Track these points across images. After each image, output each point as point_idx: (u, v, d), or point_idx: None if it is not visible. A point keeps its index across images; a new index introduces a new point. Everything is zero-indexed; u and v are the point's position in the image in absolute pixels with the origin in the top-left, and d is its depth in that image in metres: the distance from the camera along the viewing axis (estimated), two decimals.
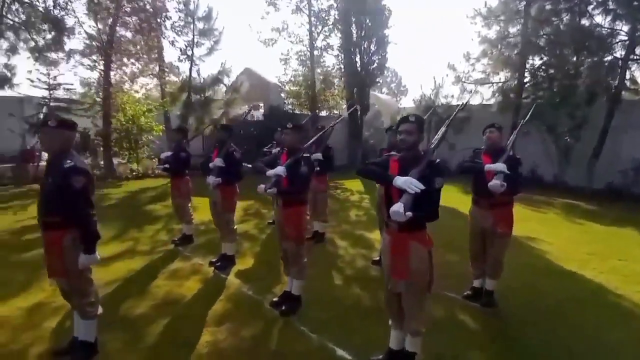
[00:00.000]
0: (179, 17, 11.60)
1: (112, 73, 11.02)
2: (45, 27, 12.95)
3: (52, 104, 10.67)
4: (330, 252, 4.90)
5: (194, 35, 11.65)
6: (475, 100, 12.13)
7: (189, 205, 4.99)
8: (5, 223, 5.75)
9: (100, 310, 2.53)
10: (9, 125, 10.41)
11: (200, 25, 11.66)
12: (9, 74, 13.20)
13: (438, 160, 2.18)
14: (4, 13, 12.46)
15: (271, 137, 6.52)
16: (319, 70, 14.91)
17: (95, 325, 2.53)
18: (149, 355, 2.61)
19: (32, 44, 13.52)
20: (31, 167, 10.11)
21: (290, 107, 15.14)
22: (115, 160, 11.35)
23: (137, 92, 11.98)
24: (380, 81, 39.98)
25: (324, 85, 15.01)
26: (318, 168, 4.22)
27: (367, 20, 13.91)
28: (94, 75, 11.31)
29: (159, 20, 11.44)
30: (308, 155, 3.08)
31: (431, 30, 63.17)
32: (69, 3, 12.26)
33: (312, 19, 13.92)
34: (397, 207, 1.93)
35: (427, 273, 2.18)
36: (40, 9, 12.74)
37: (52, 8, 12.76)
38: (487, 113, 10.58)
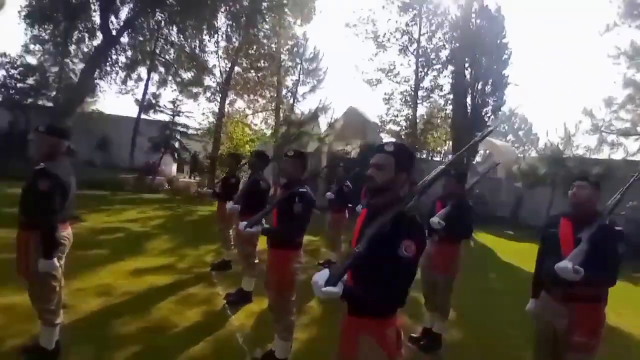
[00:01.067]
0: (288, 57, 12.53)
1: (227, 105, 12.42)
2: (191, 65, 15.53)
3: (173, 127, 12.42)
4: None
5: (299, 75, 12.39)
6: (617, 155, 9.76)
7: (230, 231, 4.89)
8: (93, 222, 6.55)
9: (60, 319, 2.44)
10: (140, 143, 12.53)
11: (306, 65, 12.37)
12: (153, 101, 16.06)
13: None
14: (157, 52, 15.40)
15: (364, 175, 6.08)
16: (422, 112, 14.21)
17: (55, 334, 2.43)
18: None
19: (179, 79, 16.39)
20: (149, 178, 11.80)
21: None
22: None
23: (245, 124, 13.15)
24: (506, 127, 36.43)
25: (427, 127, 14.15)
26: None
27: (483, 60, 12.78)
28: (211, 105, 12.90)
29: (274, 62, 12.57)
30: (305, 189, 2.56)
31: (566, 71, 55.55)
32: (207, 46, 14.50)
33: (420, 59, 13.46)
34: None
35: None
36: (187, 50, 15.36)
37: (197, 50, 15.27)
38: (631, 170, 8.28)
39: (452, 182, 3.28)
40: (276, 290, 2.58)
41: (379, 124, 14.63)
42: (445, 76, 13.71)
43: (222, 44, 15.28)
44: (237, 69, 13.43)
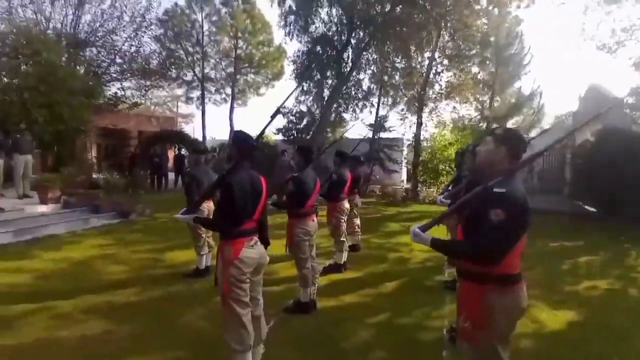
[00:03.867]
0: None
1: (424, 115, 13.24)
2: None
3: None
4: None
5: (496, 66, 11.52)
6: None
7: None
8: None
9: None
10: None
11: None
12: (383, 123, 18.65)
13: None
14: (385, 79, 17.84)
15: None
16: None
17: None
18: None
19: (405, 98, 18.38)
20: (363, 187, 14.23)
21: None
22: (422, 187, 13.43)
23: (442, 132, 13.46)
24: None
25: None
26: None
27: None
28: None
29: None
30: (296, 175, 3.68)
31: None
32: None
33: None
34: None
35: None
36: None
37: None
38: None
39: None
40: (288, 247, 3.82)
41: (630, 101, 11.03)
42: None
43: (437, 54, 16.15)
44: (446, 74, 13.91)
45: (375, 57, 18.05)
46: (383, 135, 16.48)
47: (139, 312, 3.89)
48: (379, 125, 17.33)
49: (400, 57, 16.74)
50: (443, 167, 12.65)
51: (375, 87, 19.16)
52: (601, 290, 4.84)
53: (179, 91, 24.29)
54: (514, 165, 1.94)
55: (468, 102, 13.68)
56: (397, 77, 18.34)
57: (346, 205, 5.29)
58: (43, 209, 7.76)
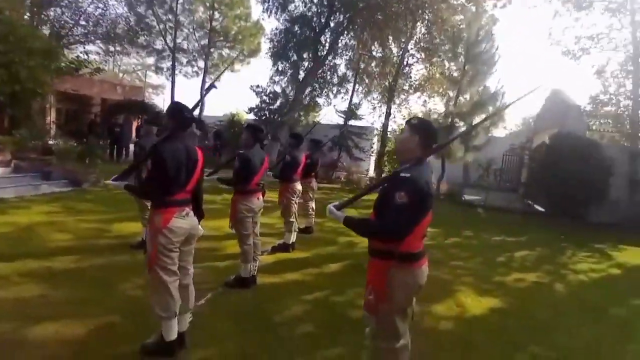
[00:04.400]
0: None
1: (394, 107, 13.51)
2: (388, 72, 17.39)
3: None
4: None
5: (466, 62, 11.81)
6: None
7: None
8: None
9: None
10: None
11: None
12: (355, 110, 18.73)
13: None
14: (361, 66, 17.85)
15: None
16: None
17: None
18: None
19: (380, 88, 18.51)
20: (330, 173, 14.38)
21: (595, 134, 11.48)
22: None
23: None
24: None
25: None
26: None
27: None
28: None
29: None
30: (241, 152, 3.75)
31: None
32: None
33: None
34: None
35: None
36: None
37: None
38: None
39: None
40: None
41: (588, 108, 11.67)
42: None
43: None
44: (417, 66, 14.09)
45: (352, 43, 18.04)
46: (354, 123, 16.62)
47: (78, 279, 3.88)
48: (350, 112, 17.44)
49: (377, 45, 16.83)
50: None
51: (350, 73, 19.22)
52: (528, 283, 5.22)
53: (150, 60, 23.32)
54: (425, 153, 2.09)
55: (438, 96, 14.01)
56: (372, 65, 18.48)
57: (298, 187, 5.39)
58: None
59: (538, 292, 4.97)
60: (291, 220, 5.30)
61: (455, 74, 12.24)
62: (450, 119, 11.62)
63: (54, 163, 8.67)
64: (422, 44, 13.91)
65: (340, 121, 15.91)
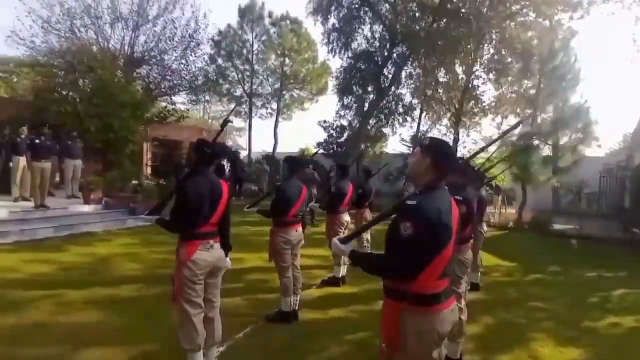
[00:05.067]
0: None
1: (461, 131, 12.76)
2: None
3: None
4: None
5: (539, 80, 10.79)
6: None
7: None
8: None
9: None
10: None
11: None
12: (422, 137, 18.10)
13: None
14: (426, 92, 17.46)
15: None
16: None
17: None
18: None
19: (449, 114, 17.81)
20: None
21: None
22: None
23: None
24: None
25: None
26: None
27: None
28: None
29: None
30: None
31: None
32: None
33: None
34: None
35: None
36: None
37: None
38: None
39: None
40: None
41: None
42: None
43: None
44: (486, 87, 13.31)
45: (417, 71, 17.81)
46: None
47: (135, 307, 4.14)
48: (415, 140, 16.87)
49: (442, 70, 16.36)
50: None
51: (416, 101, 18.86)
52: (626, 329, 4.28)
53: (232, 106, 25.79)
54: (439, 177, 1.83)
55: (514, 117, 12.93)
56: (440, 92, 17.92)
57: (345, 218, 5.23)
58: (85, 208, 8.57)
59: (638, 339, 4.02)
60: None
61: (530, 93, 11.23)
62: (529, 140, 10.54)
63: (140, 200, 9.71)
64: (491, 65, 13.13)
65: (406, 150, 15.48)
